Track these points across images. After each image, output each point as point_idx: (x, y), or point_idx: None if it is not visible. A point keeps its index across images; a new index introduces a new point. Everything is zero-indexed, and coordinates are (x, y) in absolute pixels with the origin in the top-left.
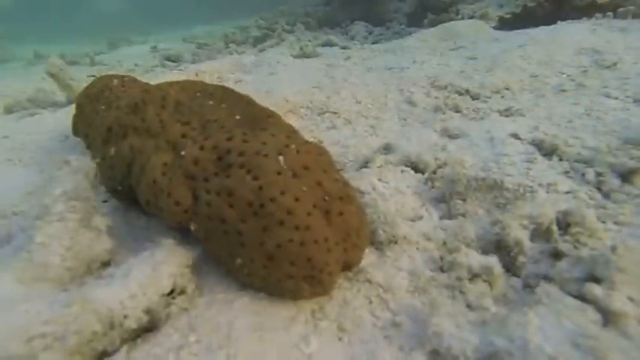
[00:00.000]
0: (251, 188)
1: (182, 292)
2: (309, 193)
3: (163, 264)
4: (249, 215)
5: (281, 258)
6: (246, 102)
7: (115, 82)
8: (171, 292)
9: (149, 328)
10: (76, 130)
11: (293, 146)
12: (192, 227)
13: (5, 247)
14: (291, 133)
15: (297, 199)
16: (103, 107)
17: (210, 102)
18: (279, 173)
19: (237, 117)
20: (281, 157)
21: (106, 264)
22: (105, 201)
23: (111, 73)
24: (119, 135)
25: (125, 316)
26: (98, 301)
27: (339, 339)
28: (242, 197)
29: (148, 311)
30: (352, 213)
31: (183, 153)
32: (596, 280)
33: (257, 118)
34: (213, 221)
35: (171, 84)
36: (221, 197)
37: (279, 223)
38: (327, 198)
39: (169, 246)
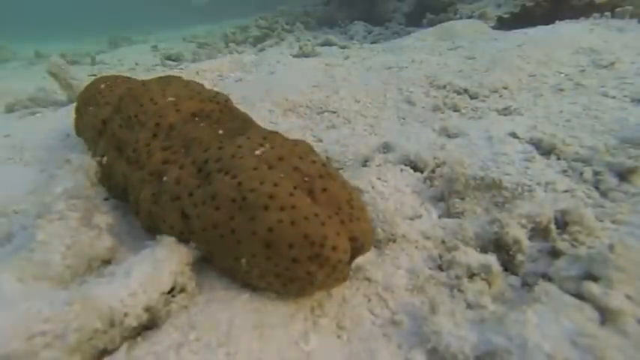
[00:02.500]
0: (231, 186)
1: (182, 290)
2: (287, 178)
3: (164, 262)
4: (236, 211)
5: (278, 242)
6: (242, 120)
7: (105, 85)
8: (172, 290)
9: (149, 326)
10: (77, 130)
11: (267, 145)
12: (192, 246)
13: (6, 246)
14: (270, 135)
15: (275, 185)
16: (92, 108)
17: (202, 124)
18: (255, 169)
19: (220, 132)
20: (257, 153)
21: (106, 262)
22: (106, 199)
23: (111, 72)
24: (112, 144)
25: (125, 314)
26: (99, 299)
27: (338, 337)
28: (225, 196)
29: (148, 309)
30: (336, 187)
31: (165, 179)
32: (594, 278)
33: (242, 130)
34: (207, 231)
35: (164, 90)
36: (207, 204)
37: (263, 209)
38: (306, 179)
39: (170, 244)
